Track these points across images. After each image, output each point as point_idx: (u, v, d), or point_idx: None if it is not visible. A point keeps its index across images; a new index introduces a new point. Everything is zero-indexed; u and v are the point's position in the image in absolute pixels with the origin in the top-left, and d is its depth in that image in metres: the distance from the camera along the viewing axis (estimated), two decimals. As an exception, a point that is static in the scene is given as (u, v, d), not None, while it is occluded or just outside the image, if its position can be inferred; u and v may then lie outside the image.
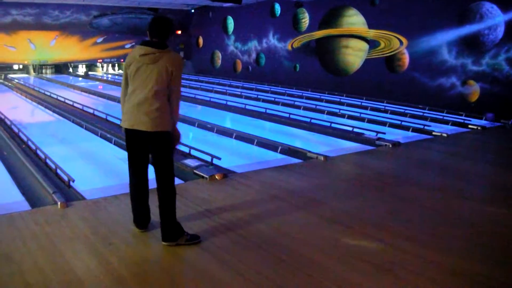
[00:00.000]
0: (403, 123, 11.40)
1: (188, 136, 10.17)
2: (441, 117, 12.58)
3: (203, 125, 10.90)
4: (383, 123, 11.51)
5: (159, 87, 4.11)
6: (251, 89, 19.53)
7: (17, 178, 6.80)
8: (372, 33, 16.45)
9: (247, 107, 13.88)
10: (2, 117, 11.71)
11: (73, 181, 6.19)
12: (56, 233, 4.52)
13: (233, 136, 9.82)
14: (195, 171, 6.68)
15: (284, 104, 14.89)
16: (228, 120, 12.70)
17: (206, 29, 26.93)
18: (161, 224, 4.31)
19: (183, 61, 4.05)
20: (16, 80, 23.40)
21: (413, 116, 12.74)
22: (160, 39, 4.23)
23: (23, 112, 14.65)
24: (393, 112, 13.45)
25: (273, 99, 16.06)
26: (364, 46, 16.89)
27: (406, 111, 13.35)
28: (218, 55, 25.98)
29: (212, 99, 15.56)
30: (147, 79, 4.10)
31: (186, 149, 7.84)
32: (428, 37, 14.41)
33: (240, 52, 24.03)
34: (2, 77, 24.90)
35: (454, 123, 11.67)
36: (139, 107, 4.12)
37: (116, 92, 16.94)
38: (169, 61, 4.12)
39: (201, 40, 27.73)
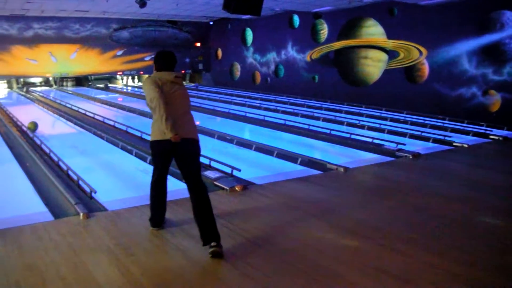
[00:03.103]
0: (423, 134, 11.32)
1: (208, 147, 10.20)
2: (461, 127, 12.47)
3: (222, 137, 10.93)
4: (403, 134, 11.43)
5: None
6: (270, 100, 19.55)
7: (40, 189, 6.88)
8: (391, 44, 16.42)
9: (266, 118, 13.91)
10: (25, 129, 11.88)
11: (95, 192, 6.26)
12: (78, 244, 4.59)
13: (253, 148, 9.84)
14: (215, 182, 6.71)
15: (303, 116, 14.88)
16: (248, 132, 12.72)
17: (225, 41, 27.08)
18: (209, 227, 4.41)
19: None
20: (38, 93, 23.69)
21: (433, 127, 12.66)
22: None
23: (44, 124, 14.76)
24: (413, 123, 13.38)
25: (292, 110, 16.06)
26: (383, 56, 16.85)
27: (426, 122, 13.27)
28: (237, 67, 26.08)
29: (231, 111, 15.61)
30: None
31: (206, 161, 7.87)
32: (448, 47, 14.34)
33: (259, 63, 24.10)
34: (24, 90, 25.23)
35: (475, 134, 11.57)
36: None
37: (136, 104, 17.12)
38: None
39: (220, 52, 27.88)
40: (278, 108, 16.68)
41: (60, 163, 8.07)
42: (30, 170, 8.06)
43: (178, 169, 4.74)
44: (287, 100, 19.31)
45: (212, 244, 4.33)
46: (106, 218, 5.36)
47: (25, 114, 15.10)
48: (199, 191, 4.57)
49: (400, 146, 9.47)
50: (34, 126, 12.06)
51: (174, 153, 4.67)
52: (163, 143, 4.62)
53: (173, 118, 4.52)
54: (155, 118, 4.64)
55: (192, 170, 4.67)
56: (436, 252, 4.44)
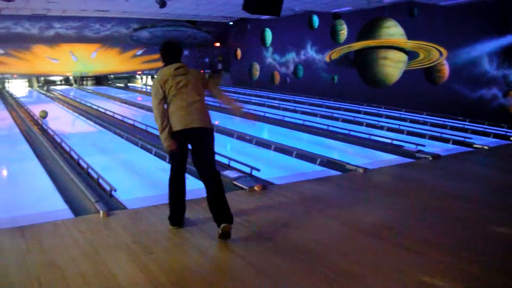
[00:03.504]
0: (443, 135, 11.23)
1: (227, 147, 10.22)
2: (482, 129, 12.35)
3: (241, 137, 10.94)
4: (422, 135, 11.36)
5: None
6: (289, 100, 19.53)
7: (61, 187, 6.96)
8: (411, 44, 16.33)
9: (285, 118, 13.90)
10: (45, 127, 12.01)
11: (115, 190, 6.31)
12: (98, 241, 4.63)
13: (272, 148, 9.83)
14: (234, 182, 6.73)
15: (322, 116, 14.85)
16: (267, 132, 12.72)
17: (244, 41, 27.12)
18: (222, 208, 4.65)
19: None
20: (58, 91, 23.92)
21: (453, 128, 12.56)
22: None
23: (65, 123, 14.94)
24: (432, 124, 13.29)
25: (311, 110, 16.03)
26: (403, 57, 16.77)
27: (446, 123, 13.17)
28: (256, 67, 26.10)
29: (250, 111, 15.48)
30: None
31: (225, 161, 7.89)
32: (468, 47, 14.23)
33: (278, 64, 24.10)
34: (45, 88, 25.47)
35: (496, 136, 11.46)
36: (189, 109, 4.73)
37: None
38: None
39: (239, 52, 27.93)
40: (297, 108, 16.66)
41: (81, 161, 8.15)
42: (51, 168, 8.14)
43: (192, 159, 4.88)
44: (306, 101, 19.28)
45: (223, 225, 4.56)
46: (125, 216, 5.40)
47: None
48: (213, 179, 4.75)
49: (419, 148, 9.40)
50: (45, 113, 13.30)
51: (189, 144, 4.81)
52: (176, 134, 4.72)
53: (183, 110, 4.68)
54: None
55: (204, 159, 4.81)
56: (454, 253, 4.41)
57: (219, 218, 4.62)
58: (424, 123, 13.55)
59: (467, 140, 10.60)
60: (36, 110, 15.41)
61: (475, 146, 10.03)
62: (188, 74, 4.80)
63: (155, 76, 4.89)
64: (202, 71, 4.97)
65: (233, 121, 11.76)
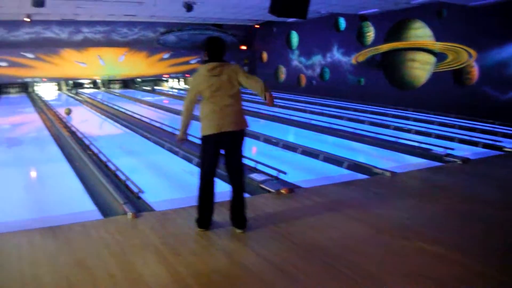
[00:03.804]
0: (472, 138, 11.06)
1: (254, 150, 10.22)
2: (512, 132, 12.16)
3: (268, 140, 10.93)
4: (451, 139, 11.19)
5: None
6: (315, 103, 19.47)
7: (89, 188, 7.05)
8: (439, 46, 16.17)
9: (312, 121, 13.86)
10: (74, 129, 12.16)
11: (143, 192, 6.36)
12: (126, 242, 4.67)
13: (298, 151, 9.81)
14: (261, 185, 6.74)
15: (348, 119, 14.76)
16: (293, 135, 12.69)
17: (270, 44, 27.14)
18: (239, 214, 4.97)
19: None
20: (86, 95, 24.20)
21: (483, 131, 12.35)
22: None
23: (93, 125, 15.12)
24: (461, 127, 13.10)
25: (337, 113, 15.95)
26: (431, 59, 16.61)
27: (476, 126, 12.96)
28: (282, 69, 26.10)
29: (276, 114, 15.59)
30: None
31: (252, 163, 7.90)
32: (498, 49, 14.03)
33: (304, 66, 24.07)
34: (74, 91, 25.81)
35: (527, 139, 11.26)
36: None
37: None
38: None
39: (265, 55, 27.95)
40: (324, 111, 16.59)
41: (109, 164, 8.24)
42: (80, 170, 8.24)
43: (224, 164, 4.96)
44: (332, 103, 19.19)
45: (238, 231, 4.93)
46: (153, 218, 5.43)
47: (74, 115, 15.43)
48: (237, 192, 4.97)
49: (448, 151, 9.28)
50: (69, 110, 15.01)
51: (221, 147, 4.88)
52: (209, 138, 4.81)
53: (215, 114, 4.76)
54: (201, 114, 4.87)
55: (235, 168, 4.94)
56: (482, 259, 4.34)
57: (234, 223, 5.00)
58: (453, 126, 13.37)
59: (497, 143, 10.42)
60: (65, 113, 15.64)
61: (505, 149, 9.85)
62: (222, 74, 4.80)
63: (194, 73, 4.97)
64: (238, 65, 5.00)
65: (258, 124, 11.74)
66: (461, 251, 4.51)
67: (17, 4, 16.40)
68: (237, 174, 4.95)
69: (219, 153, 4.91)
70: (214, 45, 4.89)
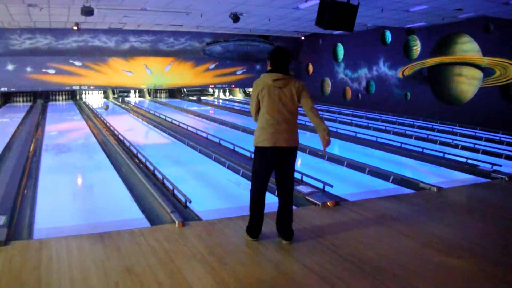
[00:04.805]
0: (521, 155, 10.83)
1: (300, 162, 10.22)
2: (563, 149, 11.85)
3: (314, 152, 10.91)
4: (498, 155, 11.01)
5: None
6: (361, 117, 19.39)
7: (137, 196, 7.16)
8: (486, 61, 15.91)
9: (358, 135, 13.79)
10: (122, 138, 12.37)
11: (190, 201, 6.42)
12: (174, 250, 4.73)
13: (344, 164, 9.77)
14: (307, 197, 6.74)
15: (395, 133, 14.65)
16: (338, 148, 12.64)
17: (315, 56, 27.13)
18: (286, 226, 5.01)
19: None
20: (132, 103, 24.59)
21: (532, 148, 12.09)
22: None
23: (139, 134, 15.33)
24: (509, 144, 12.84)
25: (383, 127, 15.83)
26: (478, 74, 16.37)
27: (524, 143, 12.71)
28: (328, 82, 26.05)
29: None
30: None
31: (298, 176, 7.89)
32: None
33: (350, 79, 23.98)
34: (120, 100, 26.28)
35: None
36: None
37: (228, 117, 17.48)
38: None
39: (310, 67, 27.96)
40: (370, 124, 16.50)
41: (156, 172, 8.35)
42: (127, 178, 8.39)
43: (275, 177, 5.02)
44: (379, 117, 19.05)
45: (285, 242, 4.97)
46: (200, 227, 5.48)
47: (121, 123, 15.72)
48: (286, 208, 5.01)
49: (495, 167, 9.11)
50: (107, 106, 16.74)
51: (273, 161, 4.90)
52: (262, 150, 4.86)
53: (271, 128, 4.79)
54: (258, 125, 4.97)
55: (282, 177, 4.98)
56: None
57: (281, 234, 5.05)
58: (500, 142, 13.12)
59: (546, 160, 10.18)
60: (112, 121, 15.95)
61: (554, 166, 9.62)
62: (286, 87, 4.87)
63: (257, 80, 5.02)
64: (302, 83, 5.05)
65: (304, 136, 11.73)
66: (510, 270, 4.43)
67: (66, 13, 16.88)
68: (287, 188, 4.98)
69: (271, 167, 4.94)
70: (280, 56, 4.94)
